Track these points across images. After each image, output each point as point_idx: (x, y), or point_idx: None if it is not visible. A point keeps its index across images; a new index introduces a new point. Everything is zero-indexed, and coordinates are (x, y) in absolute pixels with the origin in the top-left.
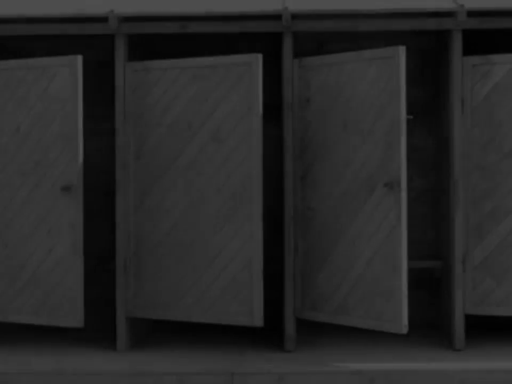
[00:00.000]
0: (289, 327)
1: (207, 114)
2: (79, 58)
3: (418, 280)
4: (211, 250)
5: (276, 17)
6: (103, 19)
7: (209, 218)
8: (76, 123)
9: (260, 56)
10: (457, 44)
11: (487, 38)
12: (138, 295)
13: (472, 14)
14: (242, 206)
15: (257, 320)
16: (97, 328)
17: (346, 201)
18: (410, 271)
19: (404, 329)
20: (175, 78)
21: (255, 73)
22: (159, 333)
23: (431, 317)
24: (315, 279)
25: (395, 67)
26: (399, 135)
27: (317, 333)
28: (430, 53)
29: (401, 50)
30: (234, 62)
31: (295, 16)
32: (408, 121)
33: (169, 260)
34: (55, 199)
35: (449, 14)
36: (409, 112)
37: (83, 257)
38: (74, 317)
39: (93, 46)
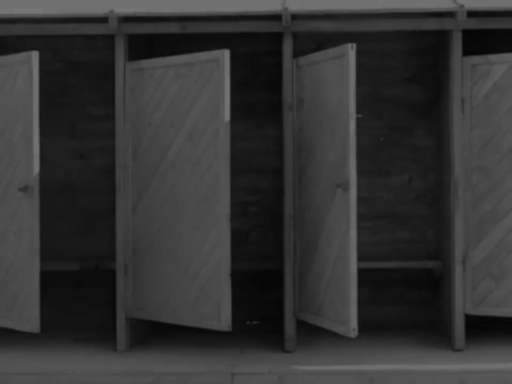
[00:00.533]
0: (289, 327)
1: (185, 113)
2: (34, 54)
3: (418, 280)
4: (190, 252)
5: (276, 17)
6: (103, 19)
7: (188, 219)
8: (31, 123)
9: (227, 52)
10: (457, 44)
11: (487, 38)
12: (136, 296)
13: (472, 14)
14: (213, 207)
15: (225, 324)
16: (97, 328)
17: (323, 201)
18: (410, 271)
19: (352, 333)
20: (161, 77)
21: (221, 70)
22: (159, 333)
23: (431, 317)
24: (305, 280)
25: (346, 65)
26: (348, 135)
27: (317, 333)
28: (430, 53)
29: (351, 48)
30: (207, 59)
31: (295, 17)
32: (409, 121)
33: (159, 261)
34: (19, 200)
35: (449, 14)
36: (410, 112)
37: (39, 260)
38: (31, 322)
39: (95, 45)
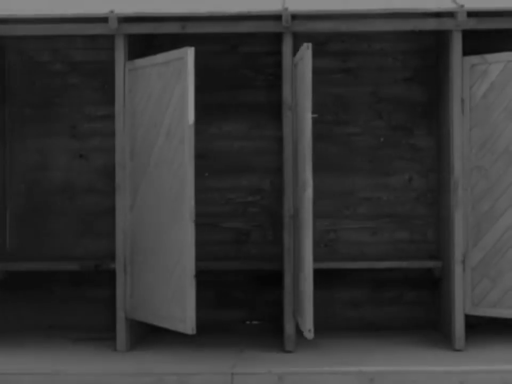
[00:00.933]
0: (289, 327)
1: (164, 113)
2: None
3: (418, 280)
4: (167, 252)
5: (276, 17)
6: (103, 19)
7: (166, 219)
8: None
9: (191, 50)
10: (457, 44)
11: (491, 37)
12: (132, 296)
13: (472, 14)
14: (181, 207)
15: (189, 326)
16: (97, 328)
17: (301, 202)
18: (410, 271)
19: (308, 334)
20: (149, 76)
21: (185, 68)
22: (159, 333)
23: (431, 317)
24: (298, 279)
25: (304, 66)
26: (303, 135)
27: (317, 333)
28: (430, 53)
29: (306, 48)
30: (177, 57)
31: (295, 17)
32: (409, 121)
33: (148, 261)
34: None
35: (449, 14)
36: (410, 112)
37: None
38: None
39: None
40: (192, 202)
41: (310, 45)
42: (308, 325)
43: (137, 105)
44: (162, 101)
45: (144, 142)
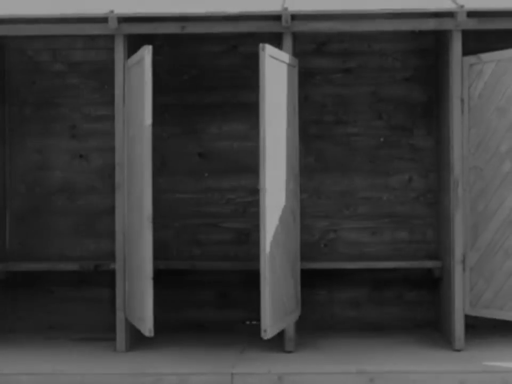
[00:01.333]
0: (290, 327)
1: (140, 113)
2: None
3: (418, 280)
4: (137, 253)
5: (276, 17)
6: (103, 19)
7: (139, 220)
8: None
9: (149, 49)
10: (457, 44)
11: (486, 37)
12: (129, 296)
13: (472, 14)
14: (143, 206)
15: (147, 328)
16: (97, 328)
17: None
18: (410, 271)
19: (264, 335)
20: (133, 74)
21: (142, 67)
22: (158, 333)
23: (431, 317)
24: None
25: (260, 68)
26: (263, 138)
27: (317, 333)
28: (430, 53)
29: (262, 49)
30: (142, 56)
31: (295, 17)
32: (409, 121)
33: (131, 261)
34: None
35: (449, 14)
36: (410, 112)
37: None
38: None
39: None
40: (149, 204)
41: (265, 46)
42: (263, 324)
43: (129, 104)
44: (139, 100)
45: (132, 143)
